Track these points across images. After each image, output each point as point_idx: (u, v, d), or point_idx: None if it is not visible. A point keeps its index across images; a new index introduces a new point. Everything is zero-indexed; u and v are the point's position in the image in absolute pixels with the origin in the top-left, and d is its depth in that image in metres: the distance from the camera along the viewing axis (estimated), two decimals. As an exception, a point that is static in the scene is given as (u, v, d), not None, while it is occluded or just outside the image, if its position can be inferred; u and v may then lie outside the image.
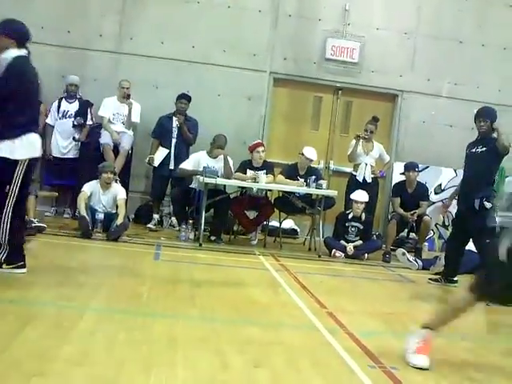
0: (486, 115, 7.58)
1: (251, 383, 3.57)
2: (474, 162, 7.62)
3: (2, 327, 4.13)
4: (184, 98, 10.19)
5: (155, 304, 5.29)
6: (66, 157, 10.08)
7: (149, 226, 9.84)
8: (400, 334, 5.07)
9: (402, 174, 10.02)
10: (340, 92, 11.56)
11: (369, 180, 10.12)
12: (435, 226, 11.06)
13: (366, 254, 9.29)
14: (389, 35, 11.39)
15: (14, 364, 3.46)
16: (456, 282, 7.77)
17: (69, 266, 6.48)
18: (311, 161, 9.76)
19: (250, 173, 9.43)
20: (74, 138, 10.05)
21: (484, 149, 7.56)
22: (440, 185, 11.30)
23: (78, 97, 10.17)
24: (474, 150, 7.66)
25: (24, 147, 5.40)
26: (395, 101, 11.61)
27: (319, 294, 6.20)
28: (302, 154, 9.72)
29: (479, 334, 5.54)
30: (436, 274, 8.19)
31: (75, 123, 9.99)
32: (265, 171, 9.40)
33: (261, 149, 9.60)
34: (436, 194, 11.21)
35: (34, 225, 7.95)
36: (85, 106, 10.12)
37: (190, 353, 4.01)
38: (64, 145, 10.08)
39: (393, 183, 10.75)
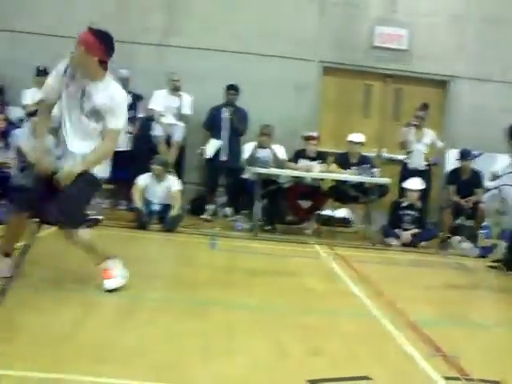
0: None
1: (310, 371, 3.53)
2: None
3: (66, 315, 4.18)
4: (233, 88, 10.21)
5: (212, 293, 5.29)
6: (118, 149, 10.06)
7: (203, 216, 9.88)
8: (459, 322, 5.02)
9: (458, 160, 9.88)
10: (390, 79, 11.42)
11: (421, 167, 9.98)
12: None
13: (423, 242, 9.18)
14: (437, 20, 11.21)
15: (78, 351, 3.52)
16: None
17: (125, 257, 6.52)
18: (359, 144, 9.69)
19: (303, 162, 9.41)
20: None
21: None
22: (495, 172, 11.04)
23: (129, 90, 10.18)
24: None
25: None
26: (446, 87, 11.43)
27: (376, 283, 6.16)
28: (349, 141, 9.68)
29: None
30: (494, 261, 8.05)
31: (126, 116, 10.00)
32: (319, 161, 9.41)
33: (313, 142, 9.60)
34: (491, 180, 10.96)
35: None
36: (133, 99, 10.10)
37: (248, 341, 4.02)
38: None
39: (446, 170, 10.58)
